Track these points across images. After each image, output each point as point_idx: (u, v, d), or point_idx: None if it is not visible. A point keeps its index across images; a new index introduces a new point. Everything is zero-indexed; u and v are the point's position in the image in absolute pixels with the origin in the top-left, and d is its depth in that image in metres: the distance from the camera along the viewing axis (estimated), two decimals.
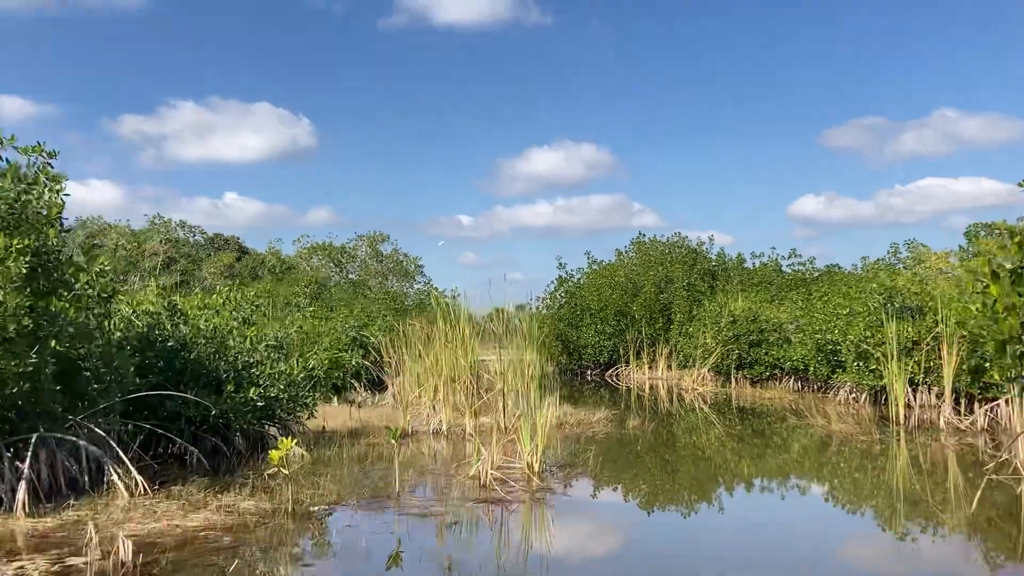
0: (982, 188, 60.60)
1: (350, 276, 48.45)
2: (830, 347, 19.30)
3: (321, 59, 72.88)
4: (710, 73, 69.87)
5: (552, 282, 36.98)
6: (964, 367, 13.74)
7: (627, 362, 32.55)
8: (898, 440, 12.93)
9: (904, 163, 68.88)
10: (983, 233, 25.09)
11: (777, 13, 67.38)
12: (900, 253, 28.14)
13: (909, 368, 14.65)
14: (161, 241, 44.50)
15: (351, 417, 14.36)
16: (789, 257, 36.20)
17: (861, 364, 17.03)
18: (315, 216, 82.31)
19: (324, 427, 13.41)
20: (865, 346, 16.65)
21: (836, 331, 18.74)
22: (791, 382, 22.90)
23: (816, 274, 33.42)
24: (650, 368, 31.85)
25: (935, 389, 14.52)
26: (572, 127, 73.71)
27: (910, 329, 15.44)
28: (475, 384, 14.69)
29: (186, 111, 69.83)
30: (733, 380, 24.74)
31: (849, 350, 17.50)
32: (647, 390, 25.94)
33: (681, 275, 34.70)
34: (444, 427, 13.21)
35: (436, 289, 38.90)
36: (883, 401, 17.64)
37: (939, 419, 13.73)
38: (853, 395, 18.38)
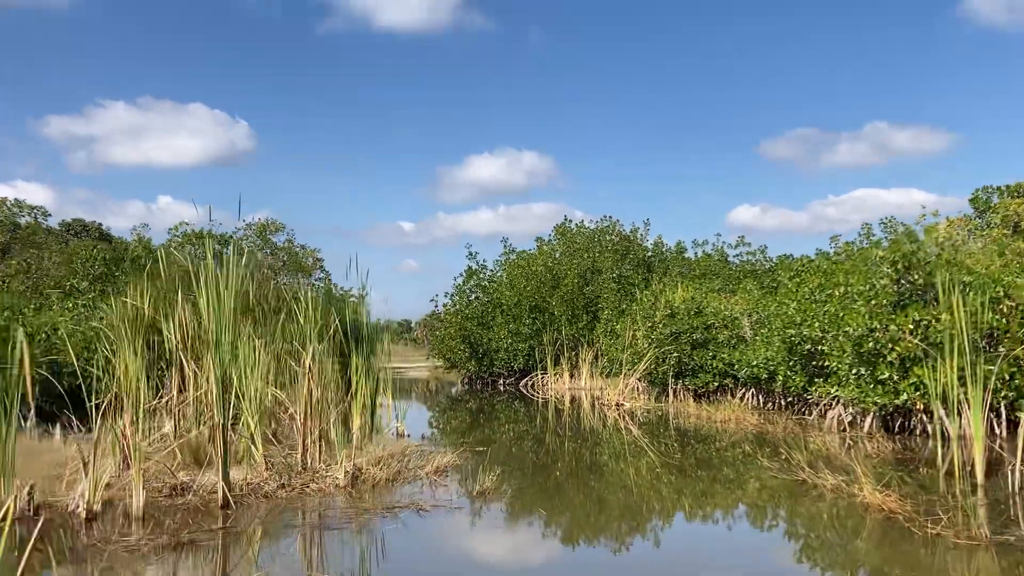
0: (911, 199, 60.31)
1: None
2: (808, 347, 13.52)
3: (258, 60, 68.95)
4: (652, 83, 68.12)
5: (461, 274, 30.58)
6: None
7: (544, 369, 26.60)
8: None
9: (837, 174, 68.53)
10: (996, 199, 19.85)
11: (717, 28, 66.49)
12: (873, 235, 22.68)
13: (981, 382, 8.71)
14: None
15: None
16: (736, 246, 30.89)
17: (863, 372, 11.21)
18: (253, 222, 77.48)
19: None
20: (872, 344, 10.84)
21: (816, 325, 12.98)
22: (750, 395, 17.04)
23: (768, 266, 28.12)
24: (571, 376, 25.96)
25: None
26: (514, 134, 70.91)
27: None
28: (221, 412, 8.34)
29: (117, 111, 65.25)
30: (671, 392, 18.83)
31: (842, 351, 11.71)
32: (566, 404, 19.95)
33: (611, 265, 28.97)
34: (97, 499, 6.53)
35: (335, 286, 32.34)
36: (898, 429, 11.79)
37: None
38: (848, 418, 12.51)
